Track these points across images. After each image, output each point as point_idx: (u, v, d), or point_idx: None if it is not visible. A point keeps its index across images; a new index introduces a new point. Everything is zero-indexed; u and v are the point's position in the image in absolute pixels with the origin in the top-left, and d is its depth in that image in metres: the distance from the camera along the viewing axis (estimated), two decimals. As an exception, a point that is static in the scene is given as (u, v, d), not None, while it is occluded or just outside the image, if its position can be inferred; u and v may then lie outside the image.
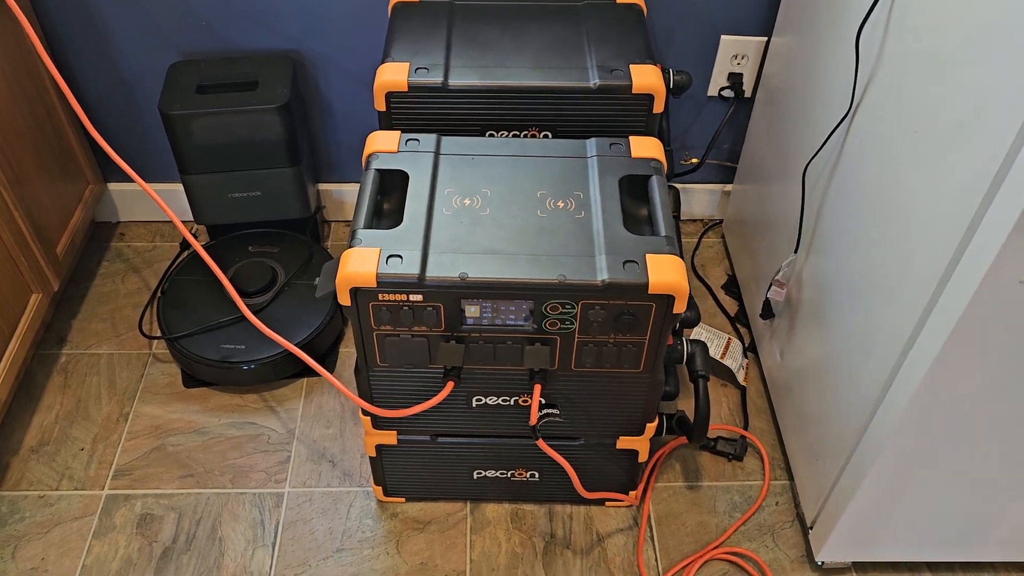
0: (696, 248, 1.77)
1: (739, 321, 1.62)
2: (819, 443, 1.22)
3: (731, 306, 1.65)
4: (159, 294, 1.53)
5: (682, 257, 1.03)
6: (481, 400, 1.15)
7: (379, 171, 1.12)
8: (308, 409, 1.46)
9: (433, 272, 0.99)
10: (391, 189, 1.14)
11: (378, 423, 1.19)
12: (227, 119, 1.42)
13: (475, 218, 1.06)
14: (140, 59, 1.53)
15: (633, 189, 1.13)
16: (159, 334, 1.48)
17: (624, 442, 1.22)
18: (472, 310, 1.03)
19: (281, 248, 1.57)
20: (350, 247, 1.02)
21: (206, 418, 1.45)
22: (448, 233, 1.04)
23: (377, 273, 0.98)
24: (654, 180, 1.11)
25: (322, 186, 1.74)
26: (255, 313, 1.46)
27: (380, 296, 1.00)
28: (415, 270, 0.98)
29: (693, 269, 1.72)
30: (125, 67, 1.54)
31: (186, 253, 1.67)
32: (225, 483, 1.36)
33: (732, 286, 1.68)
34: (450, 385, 1.05)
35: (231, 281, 1.50)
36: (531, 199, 1.08)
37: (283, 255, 1.56)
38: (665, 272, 0.99)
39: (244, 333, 1.45)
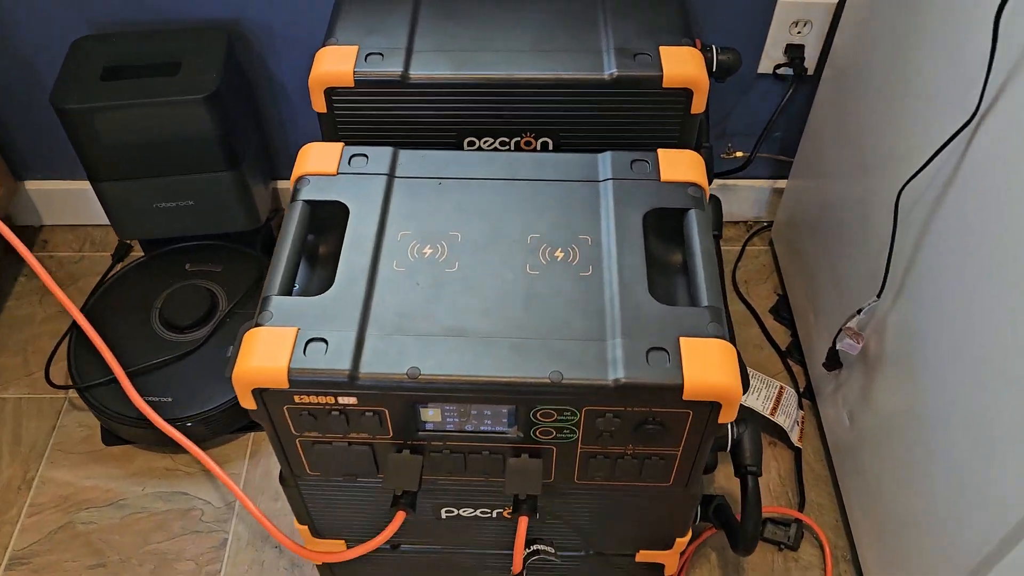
0: (739, 259, 1.44)
1: (791, 356, 1.30)
2: (904, 548, 0.91)
3: (781, 335, 1.34)
4: (74, 327, 1.25)
5: (733, 341, 0.71)
6: (452, 512, 0.86)
7: (309, 204, 0.81)
8: (253, 474, 1.18)
9: (371, 367, 0.69)
10: (327, 226, 0.83)
11: (319, 532, 0.91)
12: (139, 113, 1.10)
13: (437, 277, 0.75)
14: (42, 32, 1.21)
15: (662, 225, 0.81)
16: (71, 381, 1.20)
17: (646, 556, 0.92)
18: (430, 414, 0.72)
19: (226, 266, 1.27)
20: (255, 325, 0.72)
21: (127, 486, 1.17)
22: (397, 302, 0.73)
23: (290, 369, 0.68)
24: (693, 218, 0.79)
25: (281, 184, 1.43)
26: (187, 354, 1.17)
27: (296, 399, 0.70)
28: (344, 364, 0.68)
29: (734, 286, 1.40)
30: (24, 42, 1.22)
31: (119, 267, 1.38)
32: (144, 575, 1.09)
33: (783, 309, 1.36)
34: (400, 517, 0.75)
35: (161, 311, 1.21)
36: (519, 247, 0.77)
37: (227, 275, 1.26)
38: (709, 368, 0.68)
39: (173, 380, 1.16)
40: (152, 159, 1.15)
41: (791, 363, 1.30)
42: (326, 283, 0.74)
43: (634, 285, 0.74)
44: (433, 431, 0.74)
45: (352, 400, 0.70)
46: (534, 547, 0.78)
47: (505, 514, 0.85)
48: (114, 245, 1.43)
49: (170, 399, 1.14)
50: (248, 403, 0.71)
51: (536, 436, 0.73)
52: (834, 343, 1.08)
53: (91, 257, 1.45)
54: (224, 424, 1.18)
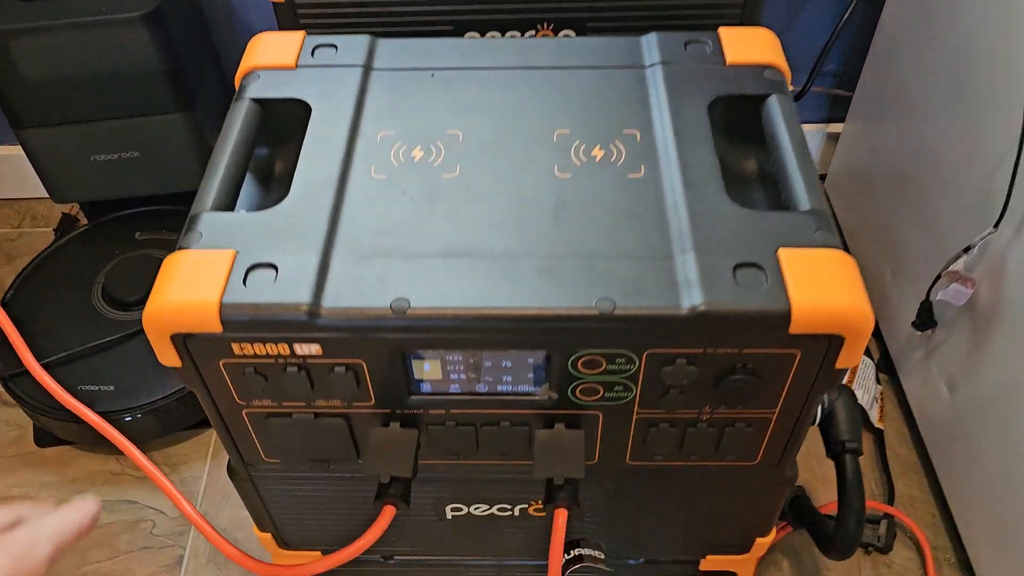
0: (786, 215, 1.23)
1: (859, 323, 1.09)
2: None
3: (844, 300, 1.12)
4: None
5: (848, 250, 0.51)
6: (460, 510, 0.65)
7: (259, 103, 0.61)
8: (215, 478, 0.97)
9: (339, 299, 0.48)
10: (283, 136, 0.62)
11: (286, 542, 0.70)
12: (65, 39, 0.90)
13: (432, 186, 0.54)
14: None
15: (731, 123, 0.61)
16: (-6, 369, 0.99)
17: (714, 563, 0.71)
18: (426, 369, 0.52)
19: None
20: (178, 248, 0.51)
21: (63, 494, 0.96)
22: (376, 217, 0.52)
23: (223, 304, 0.47)
24: (775, 104, 0.59)
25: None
26: (133, 334, 0.96)
27: (235, 348, 0.49)
28: (301, 296, 0.47)
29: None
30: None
31: (62, 240, 1.18)
32: (82, 605, 0.88)
33: (843, 270, 1.15)
34: (388, 514, 0.54)
35: (103, 286, 1.00)
36: (542, 146, 0.57)
37: (185, 243, 1.05)
38: (824, 288, 0.48)
39: (115, 366, 0.95)
40: (85, 99, 0.95)
41: (859, 331, 1.09)
42: (278, 201, 0.54)
43: (706, 186, 0.53)
44: (431, 395, 0.53)
45: (315, 349, 0.49)
46: (576, 551, 0.57)
47: (532, 511, 0.64)
48: (58, 220, 1.23)
49: (112, 387, 0.93)
50: (168, 357, 0.50)
51: (576, 397, 0.52)
52: (928, 295, 0.87)
53: (31, 233, 1.24)
54: (179, 418, 0.96)
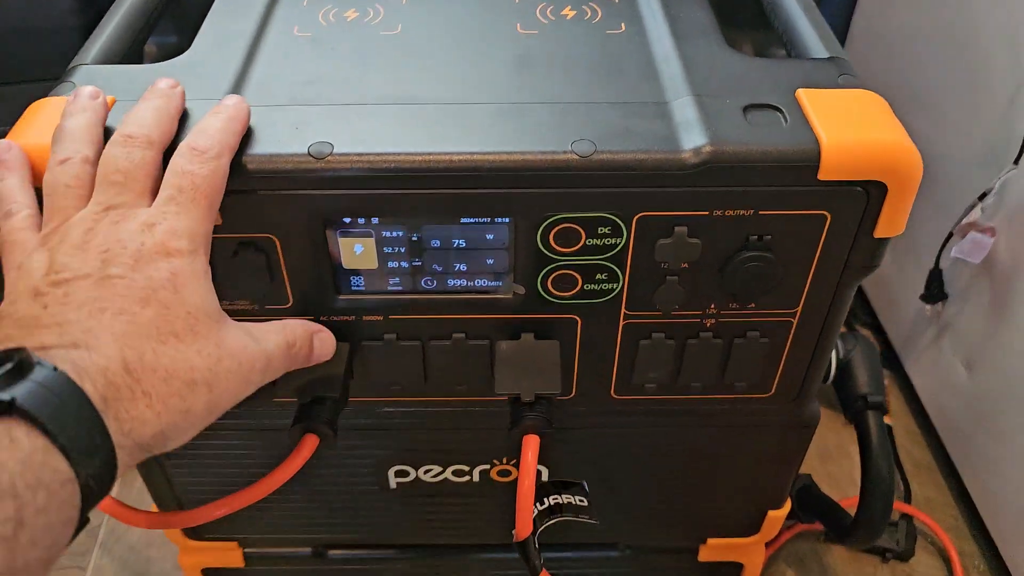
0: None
1: (853, 318, 1.00)
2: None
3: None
4: None
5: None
6: (408, 475, 0.52)
7: (165, -28, 0.51)
8: (127, 484, 0.83)
9: (243, 146, 0.37)
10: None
11: (196, 529, 0.56)
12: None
13: (366, 42, 0.44)
14: None
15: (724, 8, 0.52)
16: None
17: (716, 549, 0.59)
18: (358, 252, 0.40)
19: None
20: (47, 95, 0.40)
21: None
22: (294, 70, 0.42)
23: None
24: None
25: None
26: None
27: (106, 214, 0.38)
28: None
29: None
30: None
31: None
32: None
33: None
34: (309, 443, 0.41)
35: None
36: (499, 5, 0.47)
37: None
38: (859, 124, 0.38)
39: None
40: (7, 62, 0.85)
41: (857, 327, 0.99)
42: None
43: (700, 37, 0.44)
44: (364, 293, 0.42)
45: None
46: (552, 499, 0.44)
47: (495, 473, 0.52)
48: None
49: None
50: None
51: (549, 292, 0.41)
52: (937, 262, 0.78)
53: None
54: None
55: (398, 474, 0.52)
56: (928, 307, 0.81)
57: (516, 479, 0.51)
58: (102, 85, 0.40)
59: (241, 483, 0.42)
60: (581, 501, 0.43)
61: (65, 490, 0.28)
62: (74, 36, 0.84)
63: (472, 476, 0.52)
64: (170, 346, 0.32)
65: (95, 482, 0.29)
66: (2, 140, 0.37)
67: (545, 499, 0.43)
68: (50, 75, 0.78)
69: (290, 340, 0.38)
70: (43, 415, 0.28)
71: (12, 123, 0.87)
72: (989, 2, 0.71)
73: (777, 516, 0.56)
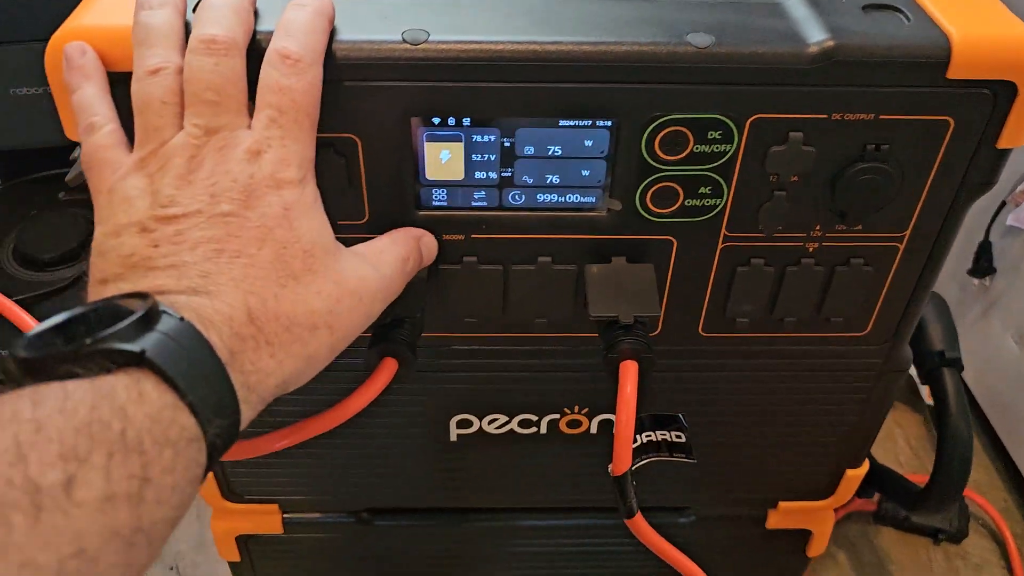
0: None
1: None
2: None
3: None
4: None
5: (1001, 8, 0.39)
6: (471, 425, 0.49)
7: None
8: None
9: (343, 29, 0.34)
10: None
11: (235, 488, 0.52)
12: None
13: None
14: None
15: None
16: None
17: (786, 514, 0.55)
18: (445, 159, 0.37)
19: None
20: None
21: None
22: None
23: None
24: None
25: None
26: (46, 295, 0.79)
27: (177, 107, 0.35)
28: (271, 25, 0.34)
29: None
30: None
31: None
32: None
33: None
34: (388, 368, 0.38)
35: (16, 243, 0.84)
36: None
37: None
38: (983, 21, 0.36)
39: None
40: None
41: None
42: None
43: (799, -51, 0.42)
44: (447, 209, 0.39)
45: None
46: (647, 435, 0.40)
47: (564, 424, 0.48)
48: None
49: (16, 356, 0.76)
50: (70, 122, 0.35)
51: (647, 208, 0.38)
52: (987, 234, 0.76)
53: (-63, 217, 1.07)
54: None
55: (460, 424, 0.48)
56: (976, 281, 0.79)
57: (586, 431, 0.48)
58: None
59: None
60: (678, 437, 0.40)
61: (191, 448, 0.27)
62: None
63: (540, 427, 0.48)
64: (290, 289, 0.31)
65: (220, 440, 0.28)
66: (74, 43, 0.34)
67: (638, 436, 0.40)
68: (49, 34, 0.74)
69: (403, 254, 0.36)
70: (173, 370, 0.26)
71: (18, 83, 0.83)
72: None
73: (855, 476, 0.53)
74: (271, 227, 0.31)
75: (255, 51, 0.33)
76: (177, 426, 0.26)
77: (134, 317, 0.27)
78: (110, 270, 0.30)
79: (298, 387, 0.32)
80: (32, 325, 0.38)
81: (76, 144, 0.36)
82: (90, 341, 0.26)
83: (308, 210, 0.32)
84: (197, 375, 0.27)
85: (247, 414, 0.30)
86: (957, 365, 0.55)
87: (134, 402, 0.25)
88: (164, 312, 0.27)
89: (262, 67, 0.32)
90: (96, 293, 0.30)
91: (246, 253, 0.30)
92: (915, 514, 0.71)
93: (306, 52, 0.32)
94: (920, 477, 0.76)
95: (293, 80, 0.32)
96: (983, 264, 0.77)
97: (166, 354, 0.26)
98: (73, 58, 0.33)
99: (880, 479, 0.64)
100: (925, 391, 0.85)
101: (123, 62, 0.34)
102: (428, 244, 0.38)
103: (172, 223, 0.30)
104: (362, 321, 0.34)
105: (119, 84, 0.34)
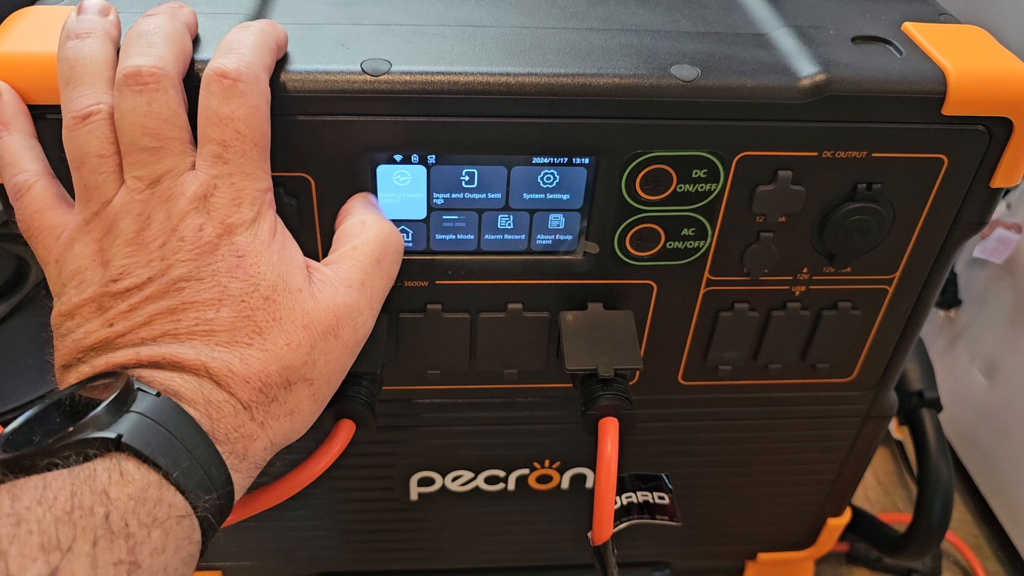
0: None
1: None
2: None
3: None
4: None
5: (989, 41, 0.37)
6: (433, 483, 0.45)
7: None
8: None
9: (285, 62, 0.31)
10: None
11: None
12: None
13: (408, -28, 0.39)
14: None
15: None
16: None
17: (765, 565, 0.53)
18: (406, 198, 0.34)
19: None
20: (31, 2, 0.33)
21: None
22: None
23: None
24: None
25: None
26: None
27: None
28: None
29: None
30: None
31: None
32: None
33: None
34: (345, 431, 0.34)
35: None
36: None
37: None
38: (976, 56, 0.34)
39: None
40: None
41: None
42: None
43: (779, -23, 0.40)
44: (408, 252, 0.36)
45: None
46: (627, 497, 0.37)
47: (534, 480, 0.45)
48: None
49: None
50: (-9, 161, 0.31)
51: (626, 251, 0.36)
52: (952, 265, 0.75)
53: None
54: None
55: (421, 482, 0.45)
56: (941, 313, 0.78)
57: (556, 487, 0.45)
58: None
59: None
60: (661, 499, 0.37)
61: (182, 526, 0.25)
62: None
63: (507, 484, 0.45)
64: (256, 347, 0.29)
65: (214, 514, 0.26)
66: (7, 95, 0.30)
67: (619, 498, 0.37)
68: None
69: (377, 254, 0.32)
70: (153, 450, 0.25)
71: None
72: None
73: (836, 525, 0.50)
74: (226, 284, 0.28)
75: (195, 81, 0.29)
76: (164, 505, 0.25)
77: (107, 401, 0.25)
78: (71, 355, 0.29)
79: (290, 443, 0.30)
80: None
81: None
82: (66, 432, 0.25)
83: (265, 249, 0.29)
84: (180, 451, 0.26)
85: (240, 482, 0.28)
86: (936, 405, 0.54)
87: (116, 484, 0.24)
88: (140, 389, 0.26)
89: (200, 92, 0.29)
90: (62, 379, 0.29)
91: (204, 319, 0.28)
92: (901, 557, 0.69)
93: (246, 70, 0.28)
94: (890, 516, 0.75)
95: (234, 106, 0.28)
96: (949, 296, 0.77)
97: (145, 435, 0.25)
98: None
99: (856, 522, 0.62)
100: (893, 425, 0.84)
101: (50, 93, 0.30)
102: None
103: (124, 298, 0.28)
104: (346, 358, 0.31)
105: (46, 120, 0.30)
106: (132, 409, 0.26)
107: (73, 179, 0.29)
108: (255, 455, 0.29)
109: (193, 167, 0.29)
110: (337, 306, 0.30)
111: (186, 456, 0.26)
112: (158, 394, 0.26)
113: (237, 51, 0.29)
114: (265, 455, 0.29)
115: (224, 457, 0.27)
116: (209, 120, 0.28)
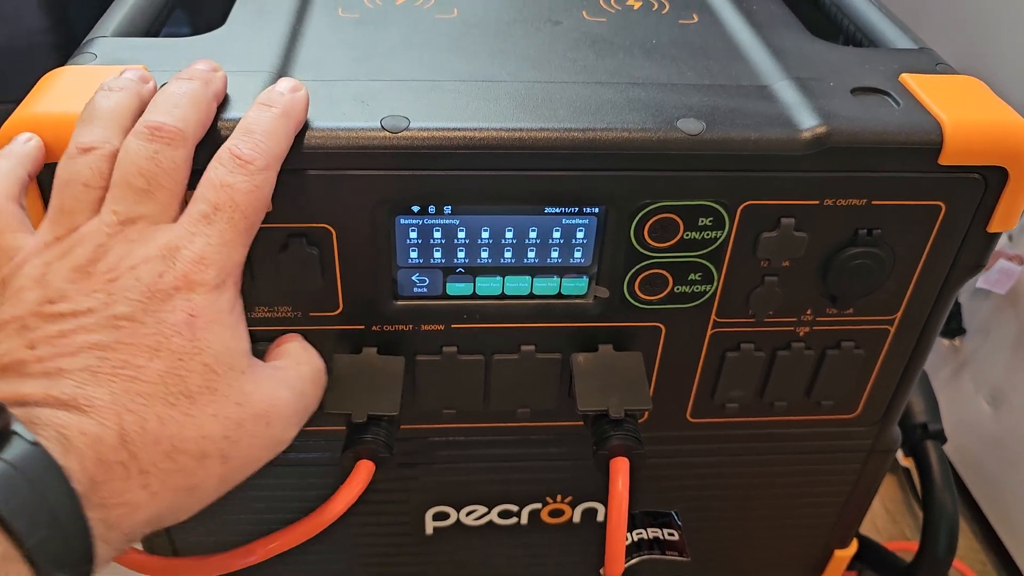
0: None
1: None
2: None
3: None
4: None
5: (985, 90, 0.39)
6: (448, 517, 0.46)
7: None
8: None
9: (319, 115, 0.32)
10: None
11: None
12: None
13: (420, 24, 0.40)
14: None
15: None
16: None
17: (774, 598, 0.54)
18: (424, 247, 0.36)
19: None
20: (63, 64, 0.35)
21: None
22: (347, 46, 0.38)
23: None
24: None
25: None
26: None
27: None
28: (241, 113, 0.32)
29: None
30: None
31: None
32: None
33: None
34: (364, 471, 0.35)
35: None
36: (561, -4, 0.44)
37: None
38: (972, 107, 0.35)
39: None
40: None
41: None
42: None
43: (781, 27, 0.41)
44: (425, 297, 0.37)
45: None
46: (637, 533, 0.38)
47: (546, 514, 0.46)
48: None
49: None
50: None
51: (634, 296, 0.37)
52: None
53: None
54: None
55: (436, 516, 0.46)
56: (946, 342, 0.79)
57: (568, 520, 0.46)
58: (126, 55, 0.35)
59: (253, 527, 0.36)
60: (671, 535, 0.38)
61: None
62: (46, 56, 0.78)
63: (520, 518, 0.46)
64: (179, 410, 0.27)
65: None
66: (24, 133, 0.31)
67: (630, 534, 0.38)
68: (22, 96, 0.72)
69: (320, 365, 0.34)
70: (10, 511, 0.23)
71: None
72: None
73: (843, 556, 0.51)
74: (168, 336, 0.27)
75: (212, 141, 0.31)
76: None
77: None
78: None
79: (180, 521, 0.28)
80: None
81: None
82: None
83: (220, 319, 0.29)
84: (40, 516, 0.23)
85: (105, 555, 0.25)
86: (940, 437, 0.55)
87: None
88: (15, 433, 0.24)
89: (211, 162, 0.29)
90: None
91: (133, 364, 0.27)
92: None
93: (260, 156, 0.29)
94: (897, 544, 0.75)
95: (239, 179, 0.29)
96: (953, 325, 0.78)
97: (6, 490, 0.23)
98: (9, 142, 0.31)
99: (864, 552, 0.63)
100: (899, 454, 0.85)
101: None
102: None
103: (56, 321, 0.27)
104: (269, 449, 0.30)
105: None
106: (1, 455, 0.23)
107: (50, 203, 0.29)
108: (131, 527, 0.26)
109: (174, 223, 0.29)
110: (276, 398, 0.30)
111: (45, 523, 0.23)
112: (35, 443, 0.24)
113: (255, 135, 0.30)
114: (143, 529, 0.27)
115: (92, 524, 0.24)
116: (209, 184, 0.29)
